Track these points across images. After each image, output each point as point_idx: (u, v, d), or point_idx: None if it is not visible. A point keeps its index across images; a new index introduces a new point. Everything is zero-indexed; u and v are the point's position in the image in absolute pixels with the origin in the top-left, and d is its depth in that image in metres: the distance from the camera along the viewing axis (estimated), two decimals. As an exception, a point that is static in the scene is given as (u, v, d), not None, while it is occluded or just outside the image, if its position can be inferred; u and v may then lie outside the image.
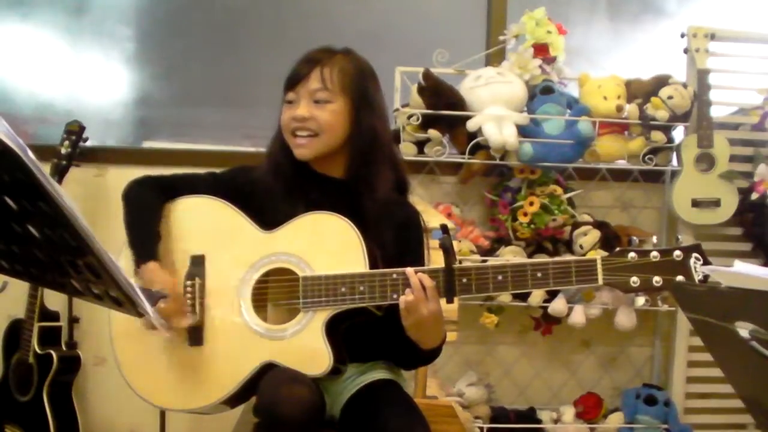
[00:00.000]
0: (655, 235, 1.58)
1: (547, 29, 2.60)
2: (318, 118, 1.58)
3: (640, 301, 2.62)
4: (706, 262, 1.43)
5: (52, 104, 2.86)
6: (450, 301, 1.46)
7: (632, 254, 1.44)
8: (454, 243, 1.50)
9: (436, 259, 1.55)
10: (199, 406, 1.55)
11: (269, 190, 1.62)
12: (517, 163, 2.60)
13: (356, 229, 1.51)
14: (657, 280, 1.43)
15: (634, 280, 1.44)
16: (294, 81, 1.60)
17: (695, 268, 1.42)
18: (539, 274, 1.46)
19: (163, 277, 1.53)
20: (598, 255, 1.47)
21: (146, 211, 1.62)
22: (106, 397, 2.67)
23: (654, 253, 1.44)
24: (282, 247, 1.55)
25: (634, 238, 1.51)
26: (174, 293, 1.52)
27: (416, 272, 1.45)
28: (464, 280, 1.46)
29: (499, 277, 1.46)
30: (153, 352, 1.58)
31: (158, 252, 1.57)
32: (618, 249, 1.47)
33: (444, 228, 1.44)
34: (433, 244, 1.62)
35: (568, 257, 1.60)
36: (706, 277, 1.42)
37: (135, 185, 1.66)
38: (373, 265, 1.50)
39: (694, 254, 1.43)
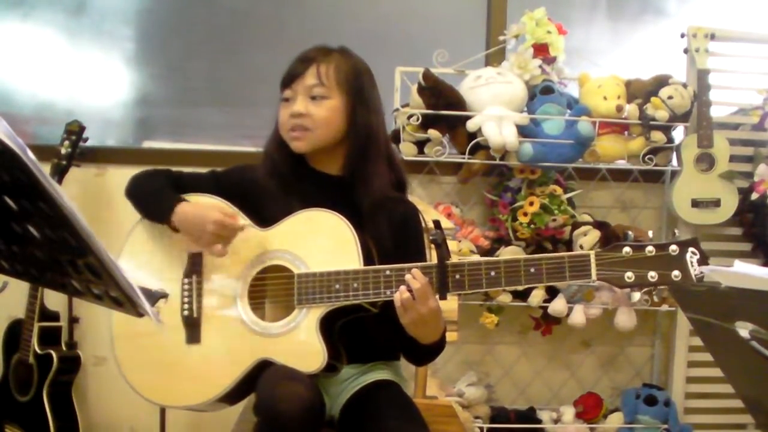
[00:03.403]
0: (651, 230, 1.55)
1: (547, 29, 2.60)
2: (314, 115, 1.58)
3: (636, 296, 2.62)
4: (702, 256, 1.40)
5: (52, 104, 2.86)
6: (443, 297, 1.46)
7: (627, 249, 1.41)
8: (454, 243, 1.50)
9: (435, 259, 1.55)
10: (197, 403, 1.56)
11: (266, 188, 1.63)
12: (517, 163, 2.60)
13: (350, 225, 1.51)
14: (652, 275, 1.40)
15: (629, 275, 1.41)
16: (290, 78, 1.61)
17: (692, 262, 1.39)
18: (532, 270, 1.45)
19: (204, 205, 1.55)
20: (593, 250, 1.45)
21: (158, 185, 1.63)
22: (106, 397, 2.67)
23: (649, 248, 1.41)
24: (278, 244, 1.56)
25: (630, 233, 1.49)
26: (223, 211, 1.54)
27: (409, 269, 1.45)
28: (457, 276, 1.46)
29: (492, 273, 1.46)
30: (152, 350, 1.59)
31: (184, 198, 1.58)
32: (613, 244, 1.44)
33: (436, 224, 1.44)
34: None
35: (562, 253, 1.57)
36: (702, 275, 1.39)
37: (139, 176, 1.67)
38: (368, 262, 1.50)
39: (691, 249, 1.40)
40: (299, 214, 1.56)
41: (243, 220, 1.57)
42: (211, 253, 1.56)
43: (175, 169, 1.71)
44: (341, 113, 1.60)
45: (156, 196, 1.61)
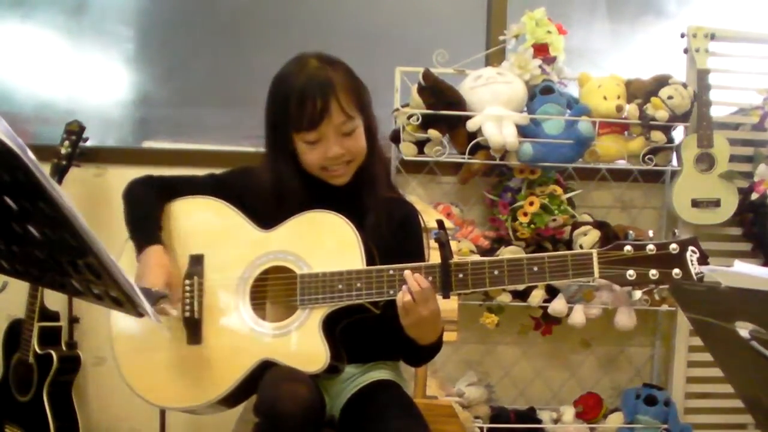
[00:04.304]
0: (652, 230, 1.57)
1: (547, 29, 2.60)
2: (352, 149, 1.56)
3: (637, 294, 2.62)
4: (702, 255, 1.42)
5: (52, 104, 2.87)
6: (446, 296, 1.46)
7: (628, 248, 1.43)
8: (454, 243, 1.50)
9: (435, 258, 1.55)
10: (197, 404, 1.55)
11: (268, 192, 1.62)
12: (517, 163, 2.60)
13: (353, 226, 1.51)
14: (653, 273, 1.42)
15: (630, 274, 1.43)
16: (315, 121, 1.50)
17: (692, 261, 1.42)
18: (535, 268, 1.46)
19: (162, 261, 1.53)
20: (595, 249, 1.47)
21: (148, 205, 1.63)
22: (106, 397, 2.67)
23: (650, 247, 1.43)
24: (280, 245, 1.56)
25: (631, 232, 1.51)
26: (171, 284, 1.52)
27: (412, 271, 1.45)
28: (460, 276, 1.46)
29: (495, 272, 1.46)
30: (152, 351, 1.59)
31: (161, 238, 1.58)
32: (615, 243, 1.46)
33: (440, 224, 1.44)
34: (432, 243, 1.63)
35: (564, 251, 1.60)
36: (702, 274, 1.41)
37: (135, 184, 1.67)
38: (370, 263, 1.50)
39: (691, 247, 1.42)
40: (301, 215, 1.56)
41: (176, 310, 1.53)
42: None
43: (175, 170, 1.71)
44: (364, 132, 1.59)
45: (140, 225, 1.60)
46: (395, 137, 2.61)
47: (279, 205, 1.60)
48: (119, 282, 0.84)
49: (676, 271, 1.42)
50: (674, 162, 2.75)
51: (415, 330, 1.50)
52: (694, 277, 1.41)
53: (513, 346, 2.86)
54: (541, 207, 2.57)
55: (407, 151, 2.58)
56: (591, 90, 2.65)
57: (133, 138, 2.94)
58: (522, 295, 2.64)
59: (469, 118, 2.52)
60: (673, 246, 1.43)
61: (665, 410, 2.70)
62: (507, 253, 2.60)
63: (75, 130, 2.50)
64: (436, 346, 1.58)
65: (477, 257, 2.56)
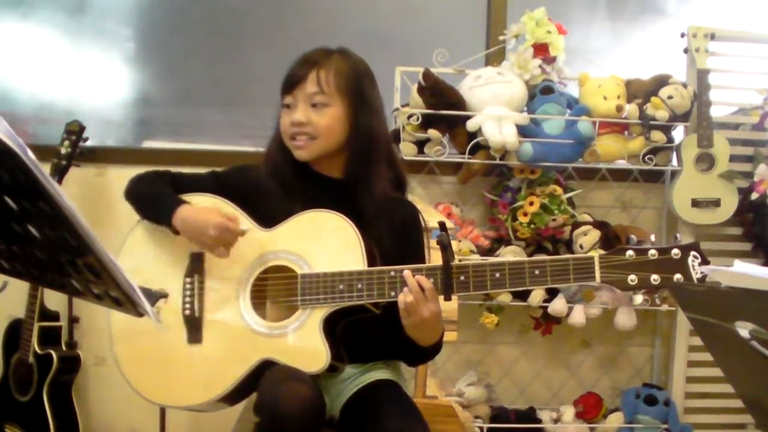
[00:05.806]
0: (654, 234, 1.57)
1: (547, 29, 2.60)
2: (315, 123, 1.57)
3: (639, 299, 2.62)
4: (704, 261, 1.43)
5: (52, 104, 2.86)
6: (448, 298, 1.46)
7: (630, 252, 1.44)
8: (454, 243, 1.50)
9: (436, 258, 1.55)
10: (198, 403, 1.56)
11: (268, 189, 1.63)
12: (517, 163, 2.60)
13: (355, 227, 1.51)
14: (655, 278, 1.43)
15: (632, 279, 1.44)
16: (291, 84, 1.59)
17: (693, 266, 1.42)
18: (537, 272, 1.46)
19: (201, 208, 1.55)
20: (597, 253, 1.47)
21: (157, 188, 1.63)
22: (106, 397, 2.67)
23: (652, 252, 1.44)
24: (281, 245, 1.56)
25: (633, 236, 1.51)
26: (225, 215, 1.53)
27: (414, 273, 1.46)
28: (462, 278, 1.47)
29: (497, 275, 1.47)
30: (152, 349, 1.59)
31: (183, 200, 1.57)
32: (616, 247, 1.47)
33: (442, 225, 1.44)
34: (432, 243, 1.63)
35: (566, 255, 1.61)
36: (704, 275, 1.42)
37: (138, 178, 1.67)
38: (371, 263, 1.50)
39: (692, 252, 1.43)
40: (302, 214, 1.56)
41: (245, 222, 1.57)
42: (214, 255, 1.56)
43: (174, 169, 1.71)
44: (343, 119, 1.59)
45: (156, 199, 1.61)
46: (395, 137, 2.61)
47: (277, 200, 1.60)
48: (119, 282, 0.84)
49: (677, 276, 1.42)
50: (674, 162, 2.75)
51: (415, 331, 1.50)
52: (696, 283, 1.41)
53: (513, 346, 2.86)
54: (541, 207, 2.57)
55: (407, 150, 2.58)
56: (591, 90, 2.65)
57: (133, 138, 2.94)
58: (522, 295, 2.64)
59: (469, 118, 2.52)
60: (675, 251, 1.43)
61: (665, 410, 2.70)
62: (507, 253, 2.60)
63: (75, 130, 2.50)
64: (436, 347, 1.58)
65: (477, 257, 2.56)
